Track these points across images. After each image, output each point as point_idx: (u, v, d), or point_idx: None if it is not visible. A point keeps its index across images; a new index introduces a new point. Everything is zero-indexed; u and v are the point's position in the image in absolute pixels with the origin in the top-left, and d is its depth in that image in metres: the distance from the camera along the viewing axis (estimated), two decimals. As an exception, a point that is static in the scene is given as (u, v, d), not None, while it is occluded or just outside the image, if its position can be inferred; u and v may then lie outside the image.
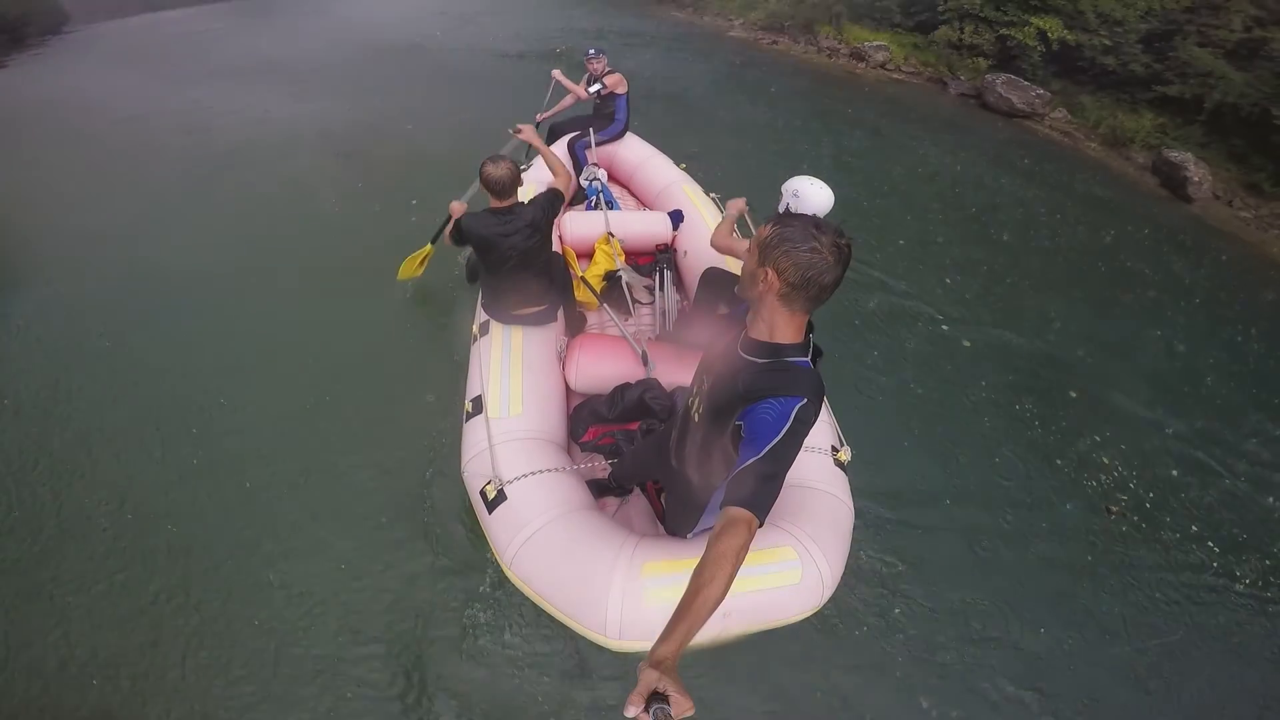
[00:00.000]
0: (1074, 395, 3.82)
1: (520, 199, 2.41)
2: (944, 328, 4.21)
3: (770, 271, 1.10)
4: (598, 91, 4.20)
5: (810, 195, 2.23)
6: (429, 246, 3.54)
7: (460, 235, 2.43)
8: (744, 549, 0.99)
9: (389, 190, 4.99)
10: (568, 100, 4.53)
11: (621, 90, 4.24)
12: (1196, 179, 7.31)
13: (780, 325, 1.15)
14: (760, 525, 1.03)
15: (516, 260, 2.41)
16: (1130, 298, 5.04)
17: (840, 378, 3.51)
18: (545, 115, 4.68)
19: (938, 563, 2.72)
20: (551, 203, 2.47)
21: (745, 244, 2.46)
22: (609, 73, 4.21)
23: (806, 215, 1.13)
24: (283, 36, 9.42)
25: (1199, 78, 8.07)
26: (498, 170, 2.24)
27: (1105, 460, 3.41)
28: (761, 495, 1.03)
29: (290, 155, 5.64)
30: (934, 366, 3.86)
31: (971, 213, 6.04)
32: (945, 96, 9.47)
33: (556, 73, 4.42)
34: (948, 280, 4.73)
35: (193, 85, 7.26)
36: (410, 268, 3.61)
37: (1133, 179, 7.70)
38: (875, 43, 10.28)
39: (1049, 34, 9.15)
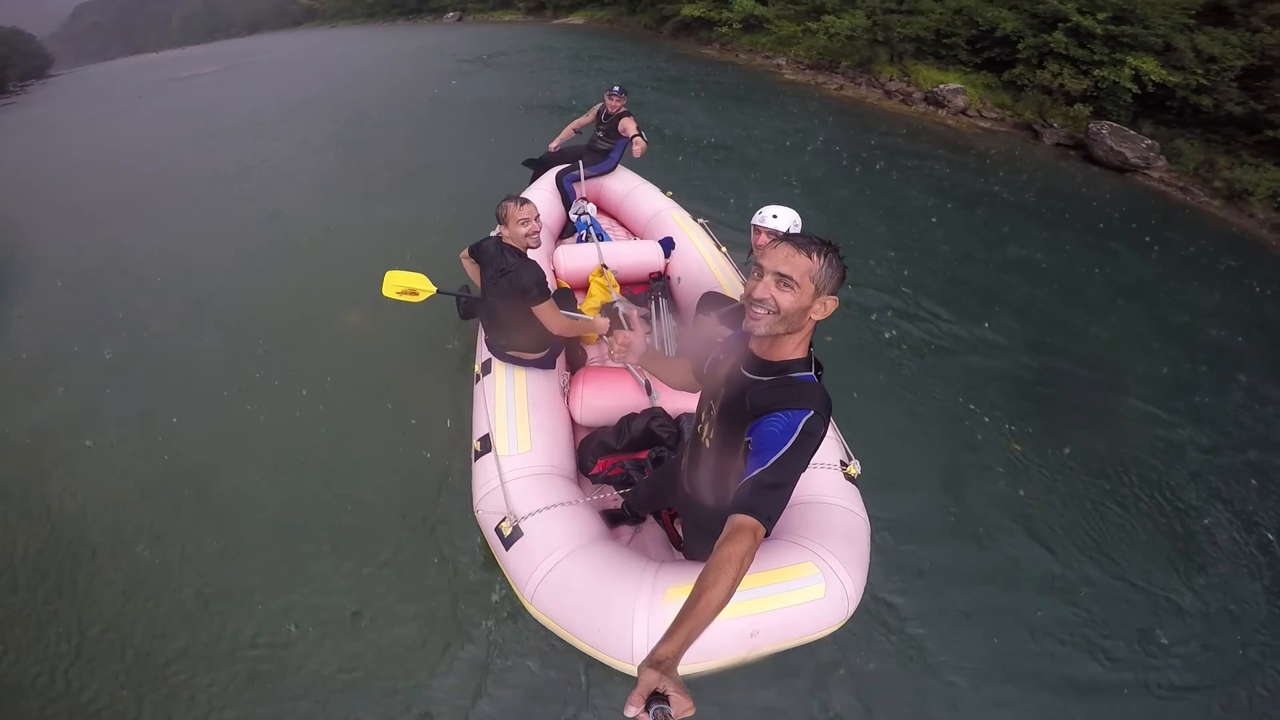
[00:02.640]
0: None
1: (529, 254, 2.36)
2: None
3: (834, 300, 1.15)
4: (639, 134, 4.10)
5: (799, 221, 2.35)
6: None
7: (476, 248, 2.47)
8: (749, 555, 0.99)
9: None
10: (579, 120, 4.60)
11: (629, 135, 4.17)
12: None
13: (797, 342, 1.19)
14: (767, 534, 1.03)
15: (492, 301, 2.42)
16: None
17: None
18: (556, 142, 4.70)
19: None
20: (544, 294, 2.30)
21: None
22: (625, 114, 4.25)
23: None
24: (282, 84, 8.89)
25: None
26: (508, 203, 2.27)
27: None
28: (767, 503, 1.03)
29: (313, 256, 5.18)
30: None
31: (1123, 302, 5.17)
32: (1040, 148, 8.25)
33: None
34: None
35: (179, 147, 6.85)
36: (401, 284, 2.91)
37: (1270, 246, 6.58)
38: (950, 85, 9.09)
39: (1146, 75, 8.10)
